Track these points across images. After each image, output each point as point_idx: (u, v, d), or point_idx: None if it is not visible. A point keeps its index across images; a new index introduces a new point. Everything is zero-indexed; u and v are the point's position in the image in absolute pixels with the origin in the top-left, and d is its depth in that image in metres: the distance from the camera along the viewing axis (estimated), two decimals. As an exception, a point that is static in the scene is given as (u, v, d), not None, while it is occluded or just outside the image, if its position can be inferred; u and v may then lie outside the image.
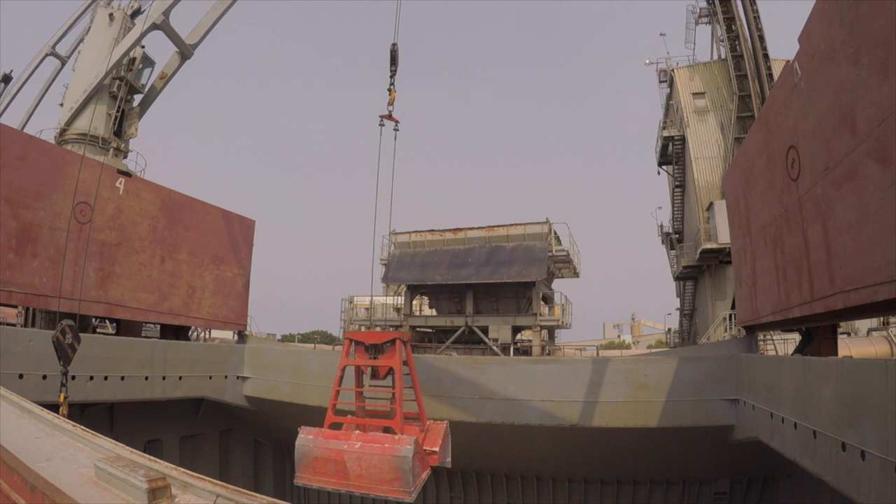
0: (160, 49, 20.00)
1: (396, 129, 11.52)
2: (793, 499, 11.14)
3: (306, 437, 7.48)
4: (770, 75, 22.02)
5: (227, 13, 18.45)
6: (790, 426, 7.01)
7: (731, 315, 18.16)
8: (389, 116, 11.35)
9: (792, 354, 9.29)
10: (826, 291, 6.39)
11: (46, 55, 24.99)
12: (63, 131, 18.10)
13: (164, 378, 12.66)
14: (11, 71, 26.05)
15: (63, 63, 24.99)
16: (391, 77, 11.38)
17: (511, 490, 13.98)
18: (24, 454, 2.53)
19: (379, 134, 11.37)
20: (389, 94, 11.40)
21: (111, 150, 18.50)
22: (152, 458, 2.57)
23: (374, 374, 8.63)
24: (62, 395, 8.02)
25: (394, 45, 11.42)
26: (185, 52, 18.76)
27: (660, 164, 29.54)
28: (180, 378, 13.08)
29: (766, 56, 22.51)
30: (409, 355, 8.78)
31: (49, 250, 11.10)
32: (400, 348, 8.40)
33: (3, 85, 26.05)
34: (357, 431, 7.78)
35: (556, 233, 21.09)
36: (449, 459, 8.59)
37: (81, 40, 21.94)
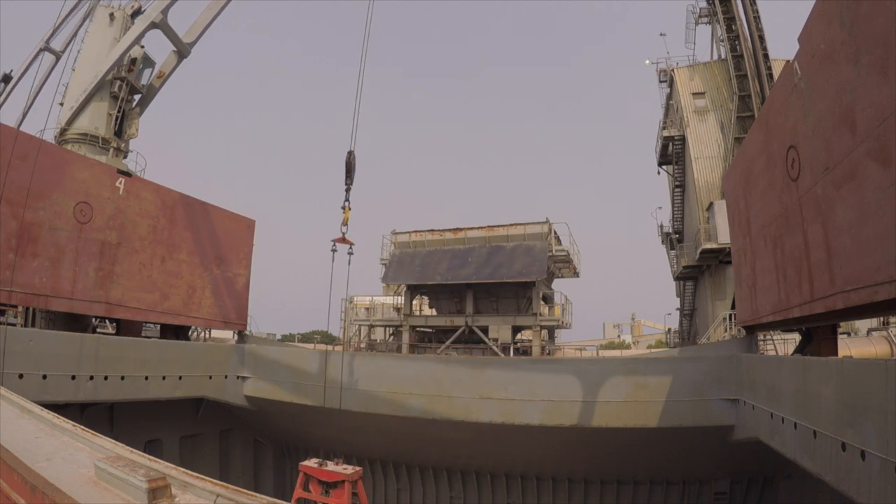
0: (158, 49, 19.99)
1: (350, 253, 9.83)
2: (793, 499, 11.14)
3: None
4: (770, 75, 22.02)
5: (223, 11, 18.44)
6: (790, 426, 7.01)
7: (731, 315, 18.16)
8: (343, 240, 9.52)
9: (792, 354, 9.29)
10: (826, 291, 6.39)
11: (41, 50, 24.78)
12: (63, 131, 18.11)
13: (164, 378, 12.66)
14: (12, 71, 25.96)
15: (57, 58, 24.75)
16: (346, 191, 9.27)
17: (511, 490, 13.98)
18: (24, 454, 2.53)
19: (331, 261, 9.49)
20: (343, 213, 9.37)
21: (112, 150, 18.50)
22: (152, 458, 2.57)
23: None
24: None
25: (350, 153, 9.42)
26: (182, 51, 18.73)
27: (660, 164, 29.54)
28: (180, 378, 13.08)
29: (766, 56, 22.50)
30: (361, 491, 9.12)
31: (49, 250, 11.11)
32: (348, 490, 8.69)
33: (2, 85, 25.99)
34: None
35: (555, 233, 21.08)
36: None
37: (75, 34, 21.85)
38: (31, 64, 25.04)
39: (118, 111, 18.77)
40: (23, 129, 19.62)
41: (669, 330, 38.20)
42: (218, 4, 18.21)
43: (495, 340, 19.90)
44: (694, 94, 24.70)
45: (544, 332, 21.53)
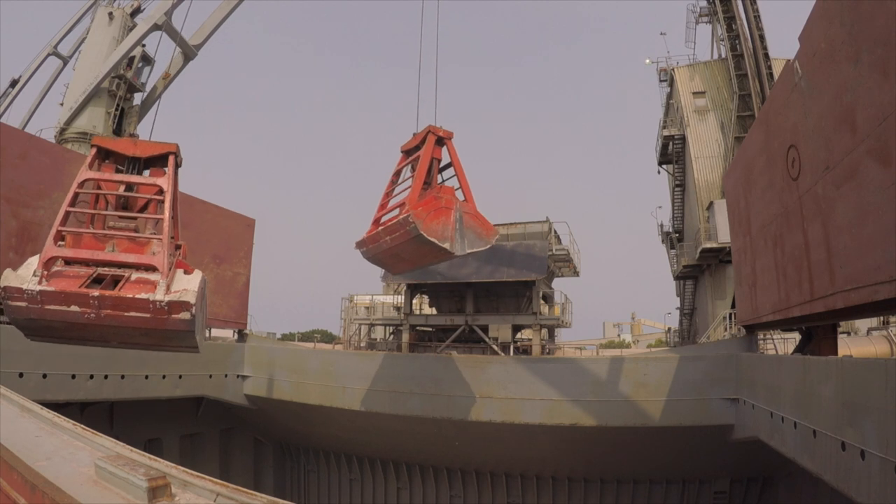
0: (163, 47, 19.98)
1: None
2: (792, 498, 11.15)
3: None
4: (770, 74, 22.00)
5: (233, 14, 18.38)
6: (790, 425, 7.02)
7: (731, 314, 18.16)
8: None
9: (792, 354, 9.29)
10: (826, 291, 6.39)
11: (48, 55, 25.00)
12: (63, 130, 18.11)
13: (164, 377, 12.66)
14: (20, 76, 26.15)
15: (64, 63, 25.01)
16: None
17: (511, 489, 13.99)
18: (24, 453, 2.53)
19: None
20: None
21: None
22: (152, 456, 2.57)
23: (126, 204, 6.73)
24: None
25: None
26: (188, 53, 18.72)
27: (660, 164, 29.52)
28: (180, 377, 13.08)
29: (766, 55, 22.49)
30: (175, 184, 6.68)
31: (49, 249, 11.09)
32: (173, 167, 6.55)
33: (10, 89, 26.21)
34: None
35: (556, 232, 21.07)
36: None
37: (83, 40, 21.94)
38: (38, 68, 25.17)
39: (116, 109, 18.76)
40: (26, 130, 19.64)
41: (669, 329, 38.18)
42: (228, 5, 18.16)
43: (495, 339, 19.89)
44: (694, 93, 24.69)
45: (544, 331, 21.52)
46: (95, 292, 5.44)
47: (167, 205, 6.30)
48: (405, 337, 21.34)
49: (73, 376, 10.73)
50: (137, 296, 5.51)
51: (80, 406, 11.42)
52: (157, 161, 6.82)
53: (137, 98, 19.96)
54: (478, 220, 9.02)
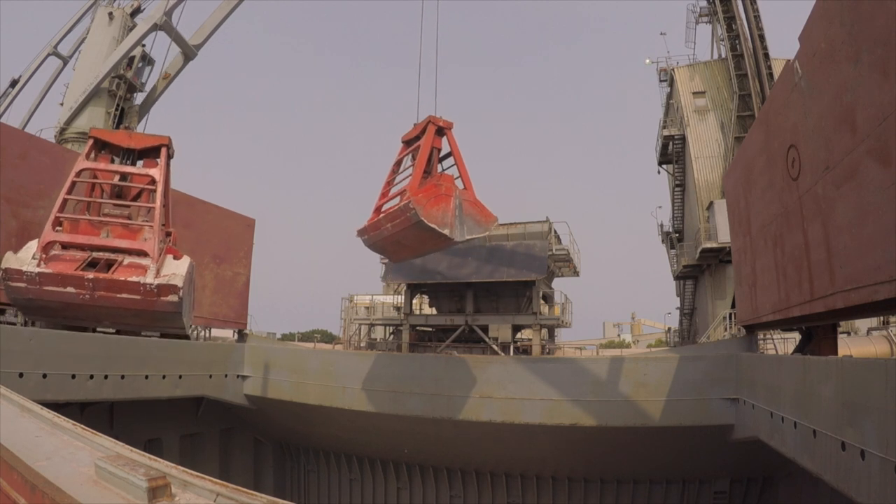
0: (164, 47, 19.98)
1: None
2: (792, 498, 11.15)
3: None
4: (770, 74, 22.03)
5: (232, 14, 18.35)
6: (790, 425, 7.02)
7: (731, 314, 18.17)
8: None
9: (792, 354, 9.29)
10: (826, 291, 6.39)
11: (48, 55, 25.05)
12: (63, 130, 18.13)
13: (163, 377, 12.64)
14: (20, 76, 26.18)
15: (64, 63, 25.04)
16: None
17: (511, 489, 13.99)
18: (23, 453, 2.53)
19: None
20: None
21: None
22: (152, 456, 2.57)
23: (121, 193, 7.14)
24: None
25: None
26: (188, 53, 18.75)
27: (660, 164, 29.55)
28: (180, 377, 13.07)
29: (766, 55, 22.51)
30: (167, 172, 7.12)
31: (49, 249, 11.10)
32: (166, 158, 6.95)
33: (10, 89, 26.25)
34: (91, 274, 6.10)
35: (556, 232, 21.09)
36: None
37: (83, 40, 21.96)
38: (38, 68, 25.20)
39: (116, 109, 18.79)
40: (26, 130, 19.67)
41: (669, 329, 38.19)
42: (227, 6, 18.18)
43: (495, 339, 19.91)
44: (694, 93, 24.70)
45: (544, 331, 21.54)
46: (90, 275, 5.76)
47: (159, 194, 6.61)
48: (405, 337, 21.35)
49: (73, 376, 10.71)
50: (129, 279, 5.83)
51: (80, 406, 11.40)
52: (150, 153, 7.08)
53: (138, 98, 20.00)
54: (477, 207, 9.14)
